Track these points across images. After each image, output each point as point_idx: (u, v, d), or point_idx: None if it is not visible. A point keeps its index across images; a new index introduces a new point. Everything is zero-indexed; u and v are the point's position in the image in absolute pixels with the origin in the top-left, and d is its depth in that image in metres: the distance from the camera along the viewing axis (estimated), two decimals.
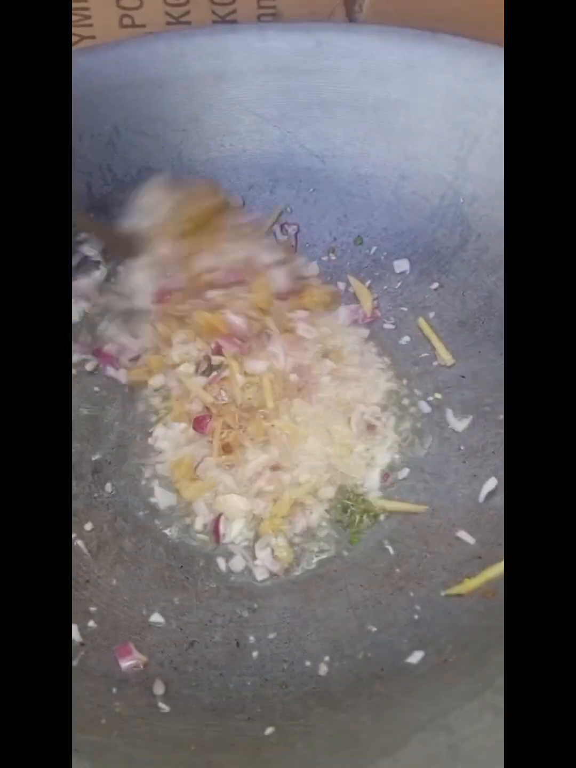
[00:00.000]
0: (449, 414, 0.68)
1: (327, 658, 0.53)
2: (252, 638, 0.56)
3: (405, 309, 0.77)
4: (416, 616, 0.55)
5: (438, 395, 0.70)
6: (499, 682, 0.44)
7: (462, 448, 0.66)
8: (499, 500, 0.61)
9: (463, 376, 0.70)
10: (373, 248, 0.81)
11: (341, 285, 0.80)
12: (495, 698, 0.43)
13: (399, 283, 0.78)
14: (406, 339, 0.75)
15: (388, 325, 0.76)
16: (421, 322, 0.74)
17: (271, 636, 0.56)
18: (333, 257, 0.82)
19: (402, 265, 0.78)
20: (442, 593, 0.55)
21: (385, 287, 0.78)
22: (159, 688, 0.52)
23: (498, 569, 0.54)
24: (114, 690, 0.51)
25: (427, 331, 0.73)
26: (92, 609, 0.57)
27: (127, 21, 0.85)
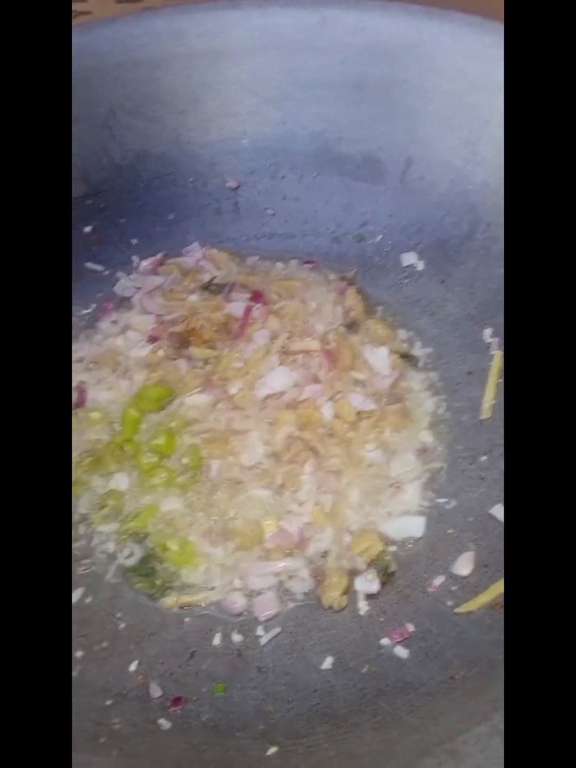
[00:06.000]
0: (457, 412, 0.66)
1: (331, 671, 0.52)
2: (254, 648, 0.55)
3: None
4: (422, 627, 0.53)
5: (445, 391, 0.68)
6: None
7: (469, 448, 0.64)
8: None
9: (470, 373, 0.68)
10: (379, 237, 0.78)
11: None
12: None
13: (406, 278, 0.76)
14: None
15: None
16: (497, 356, 0.67)
17: (274, 646, 0.55)
18: (337, 246, 0.80)
19: (409, 258, 0.76)
20: (449, 604, 0.54)
21: (391, 280, 0.76)
22: (156, 691, 0.51)
23: None
24: (112, 703, 0.50)
25: (495, 367, 0.67)
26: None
27: None
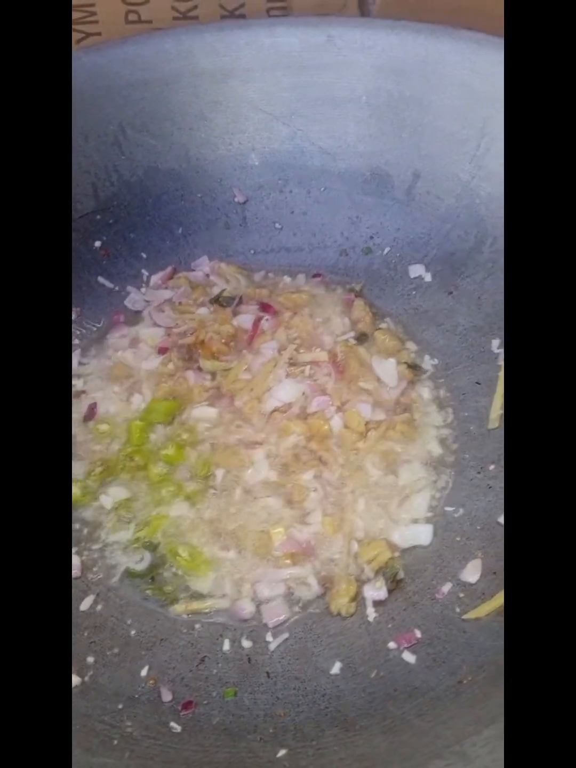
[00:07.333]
0: (464, 421, 0.67)
1: (339, 676, 0.53)
2: (263, 654, 0.55)
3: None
4: (430, 634, 0.54)
5: (452, 401, 0.69)
6: None
7: (476, 457, 0.65)
8: None
9: (478, 383, 0.69)
10: (386, 249, 0.80)
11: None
12: None
13: (414, 290, 0.77)
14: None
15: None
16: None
17: (283, 651, 0.55)
18: (344, 259, 0.81)
19: (416, 270, 0.77)
20: (457, 610, 0.54)
21: (399, 292, 0.77)
22: (167, 696, 0.52)
23: None
24: (123, 707, 0.51)
25: (503, 378, 0.67)
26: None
27: (133, 17, 0.84)
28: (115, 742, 0.47)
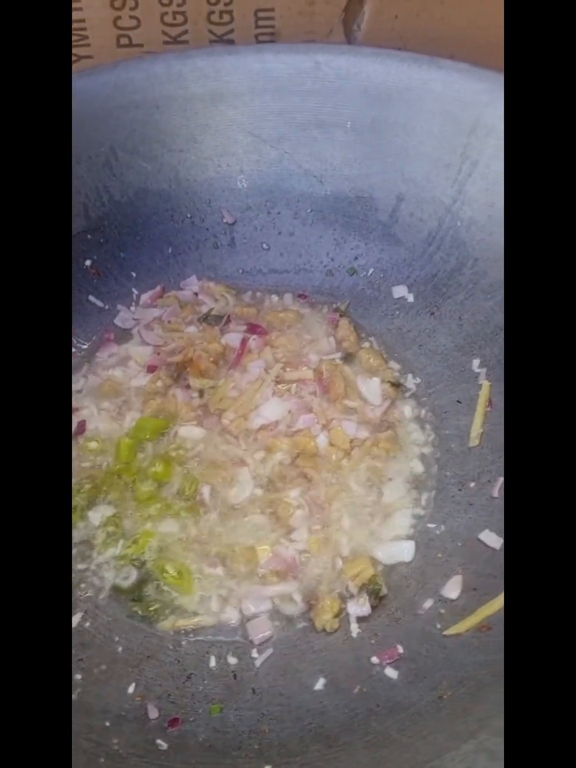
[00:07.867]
0: (445, 440, 0.69)
1: (323, 692, 0.54)
2: (249, 670, 0.56)
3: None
4: (411, 649, 0.55)
5: (434, 420, 0.71)
6: (495, 723, 0.44)
7: (457, 475, 0.66)
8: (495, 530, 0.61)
9: (459, 402, 0.71)
10: (370, 270, 0.81)
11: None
12: (490, 741, 0.43)
13: (397, 310, 0.78)
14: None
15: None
16: (485, 385, 0.70)
17: (268, 667, 0.56)
18: (330, 279, 0.83)
19: (400, 291, 0.79)
20: (438, 626, 0.56)
21: (382, 312, 0.79)
22: (154, 713, 0.53)
23: (494, 605, 0.54)
24: (111, 725, 0.51)
25: (483, 397, 0.69)
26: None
27: (124, 41, 0.85)
28: (102, 760, 0.48)
